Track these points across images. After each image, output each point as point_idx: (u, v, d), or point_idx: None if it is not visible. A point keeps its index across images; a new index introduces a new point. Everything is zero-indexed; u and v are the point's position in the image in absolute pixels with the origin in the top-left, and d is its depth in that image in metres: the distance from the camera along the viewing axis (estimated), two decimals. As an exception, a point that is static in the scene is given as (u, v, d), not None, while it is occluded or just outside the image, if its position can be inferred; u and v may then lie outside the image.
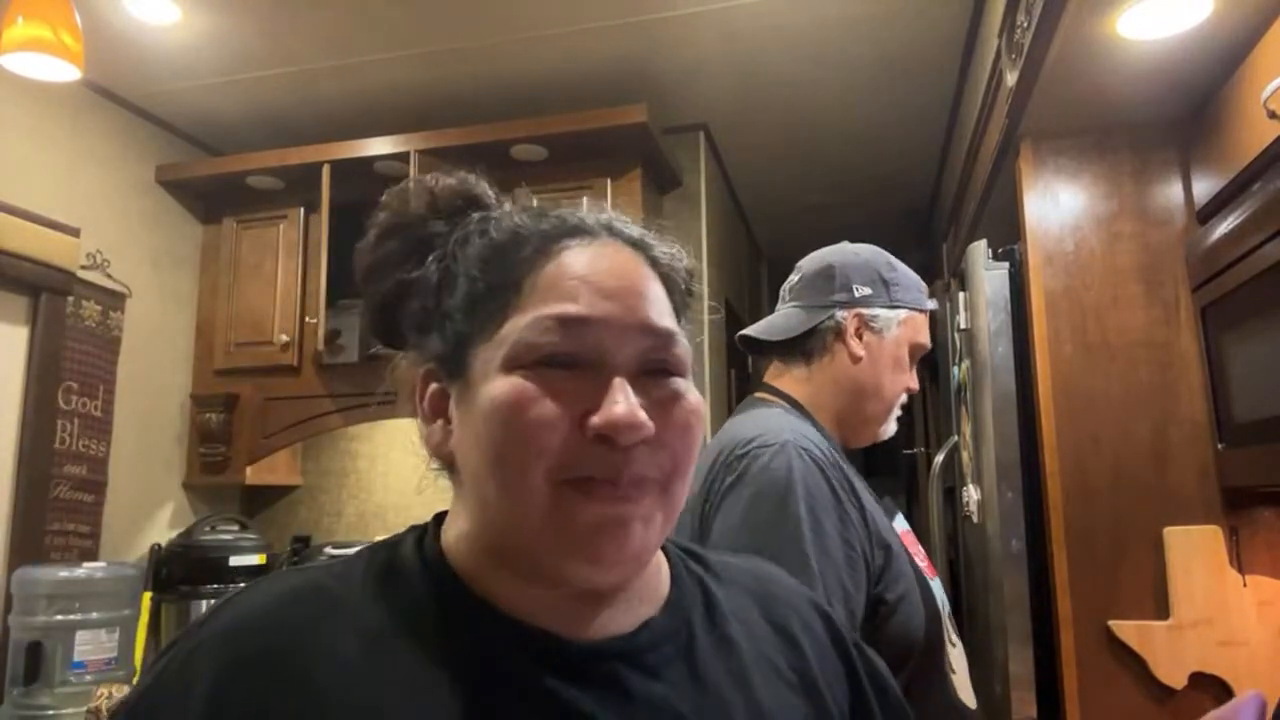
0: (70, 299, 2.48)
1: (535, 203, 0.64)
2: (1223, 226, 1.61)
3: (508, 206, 0.63)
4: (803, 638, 0.65)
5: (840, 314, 1.22)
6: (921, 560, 1.18)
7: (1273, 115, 1.38)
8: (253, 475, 2.88)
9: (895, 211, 4.01)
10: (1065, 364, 1.84)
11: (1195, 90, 1.72)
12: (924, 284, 1.30)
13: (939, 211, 3.57)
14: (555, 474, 0.52)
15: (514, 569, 0.56)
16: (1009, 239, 2.03)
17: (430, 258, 0.60)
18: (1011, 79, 1.81)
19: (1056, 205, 1.90)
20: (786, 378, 1.27)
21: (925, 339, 1.27)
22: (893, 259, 1.29)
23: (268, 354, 2.83)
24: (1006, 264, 2.00)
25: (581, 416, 0.52)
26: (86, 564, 2.32)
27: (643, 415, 0.52)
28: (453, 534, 0.59)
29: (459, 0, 2.28)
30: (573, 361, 0.53)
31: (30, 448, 2.35)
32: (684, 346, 0.58)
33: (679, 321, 0.60)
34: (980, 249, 2.02)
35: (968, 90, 2.65)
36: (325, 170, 2.75)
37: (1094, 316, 1.85)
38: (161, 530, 2.80)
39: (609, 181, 2.66)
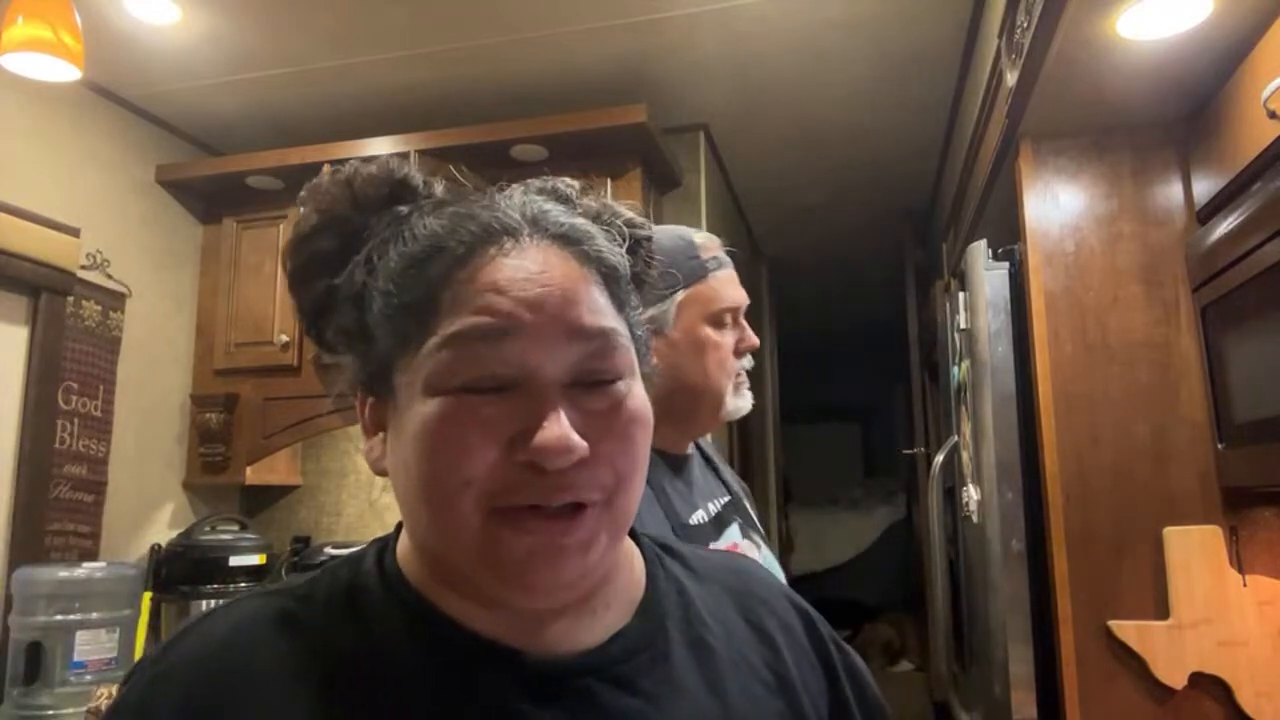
0: (70, 299, 2.48)
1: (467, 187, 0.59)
2: (1223, 226, 1.61)
3: (437, 191, 0.59)
4: (780, 637, 0.64)
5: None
6: None
7: (1273, 115, 1.38)
8: (253, 475, 2.88)
9: (895, 211, 4.01)
10: (1065, 364, 1.84)
11: (1195, 90, 1.72)
12: (700, 244, 1.19)
13: (939, 211, 3.57)
14: (485, 502, 0.49)
15: (460, 590, 0.54)
16: (1009, 239, 2.03)
17: (351, 262, 0.56)
18: (1011, 79, 1.81)
19: (1056, 205, 1.90)
20: None
21: (725, 301, 1.17)
22: (659, 239, 1.18)
23: (268, 354, 2.83)
24: (1006, 264, 2.00)
25: (509, 442, 0.49)
26: (86, 564, 2.32)
27: (574, 438, 0.49)
28: (403, 551, 0.58)
29: (459, 0, 2.28)
30: (496, 384, 0.50)
31: (30, 448, 2.34)
32: (623, 345, 0.54)
33: (626, 309, 0.57)
34: (980, 249, 2.02)
35: (968, 90, 2.65)
36: (325, 170, 2.74)
37: (1094, 317, 1.85)
38: (161, 530, 2.80)
39: (609, 181, 2.66)
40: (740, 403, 1.21)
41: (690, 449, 1.25)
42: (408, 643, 0.53)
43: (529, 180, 0.60)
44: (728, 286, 1.19)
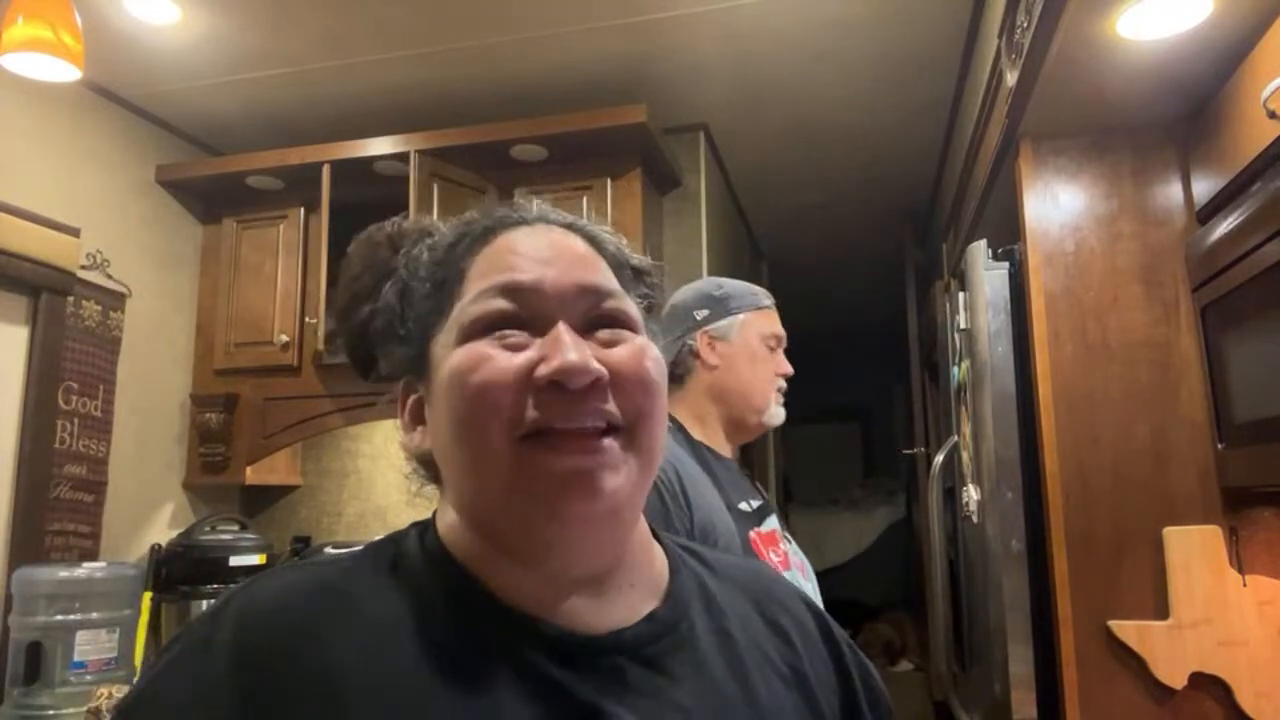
0: (70, 299, 2.48)
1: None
2: (1223, 226, 1.61)
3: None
4: (796, 635, 0.66)
5: (690, 339, 1.46)
6: (776, 557, 1.35)
7: (1273, 115, 1.38)
8: (253, 475, 2.88)
9: (895, 211, 4.01)
10: (1065, 364, 1.84)
11: (1195, 90, 1.72)
12: (756, 289, 1.53)
13: (939, 211, 3.57)
14: (514, 429, 0.52)
15: (499, 548, 0.56)
16: (1009, 239, 2.03)
17: (388, 283, 0.63)
18: (1011, 79, 1.81)
19: (1056, 205, 1.90)
20: (672, 401, 1.50)
21: (775, 329, 1.50)
22: (722, 280, 1.54)
23: (268, 354, 2.83)
24: (1006, 264, 2.00)
25: (531, 369, 0.53)
26: (86, 564, 2.32)
27: (591, 360, 0.53)
28: (444, 526, 0.60)
29: (459, 0, 2.28)
30: (518, 322, 0.55)
31: (30, 448, 2.35)
32: (630, 304, 0.59)
33: (630, 295, 0.61)
34: (980, 249, 2.02)
35: (968, 90, 2.65)
36: (325, 170, 2.75)
37: (1094, 317, 1.85)
38: (161, 530, 2.80)
39: (609, 181, 2.66)
40: (779, 413, 1.49)
41: (732, 454, 1.50)
42: (447, 613, 0.55)
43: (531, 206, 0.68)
44: (776, 322, 1.52)
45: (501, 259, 0.58)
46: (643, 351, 0.57)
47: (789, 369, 1.51)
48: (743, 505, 1.39)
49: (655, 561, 0.64)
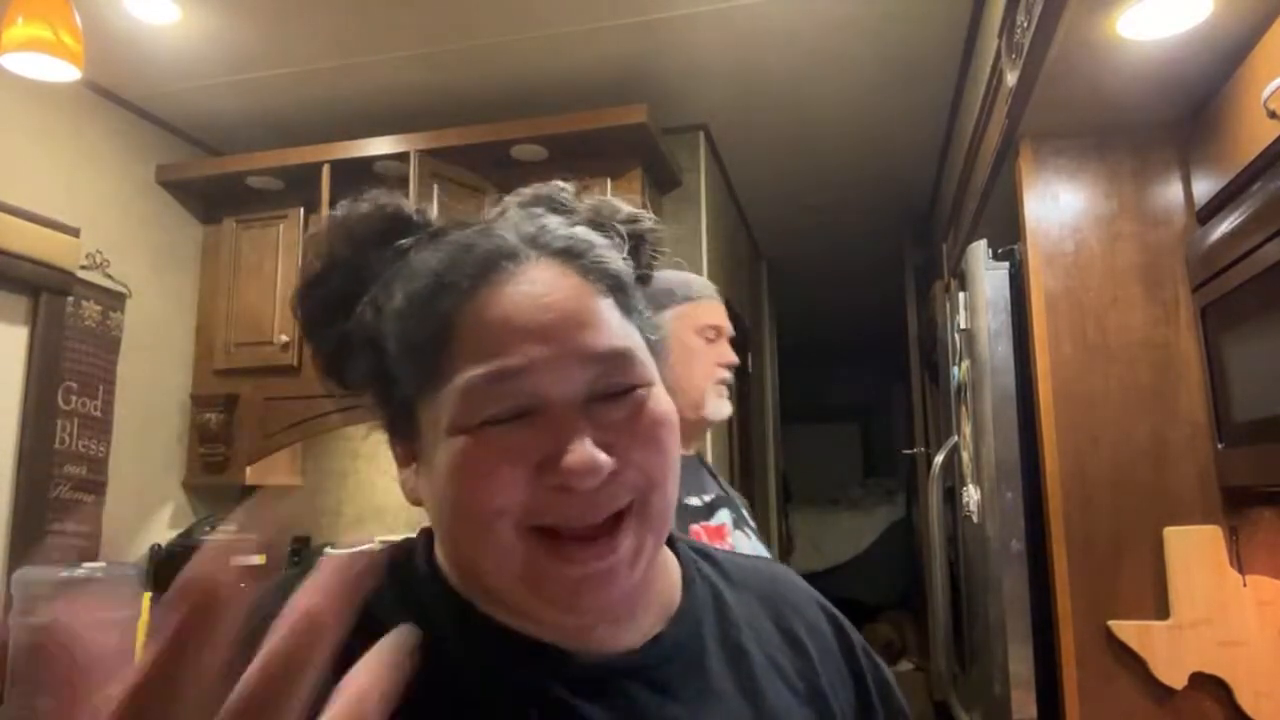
0: (70, 299, 2.48)
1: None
2: (1223, 226, 1.61)
3: (432, 217, 0.59)
4: (810, 643, 0.65)
5: None
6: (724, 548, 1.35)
7: (1273, 115, 1.38)
8: (253, 475, 2.88)
9: (895, 211, 4.01)
10: (1065, 364, 1.84)
11: (1195, 90, 1.72)
12: (692, 279, 1.51)
13: (939, 211, 3.56)
14: (523, 522, 0.50)
15: (500, 602, 0.55)
16: (1009, 239, 2.03)
17: (359, 305, 0.56)
18: (1011, 79, 1.81)
19: (1056, 205, 1.90)
20: None
21: (710, 320, 1.47)
22: (657, 274, 1.48)
23: (268, 354, 2.83)
24: (1006, 264, 2.00)
25: (537, 467, 0.50)
26: (86, 564, 2.32)
27: (600, 457, 0.49)
28: (443, 559, 0.58)
29: (460, 0, 2.28)
30: (518, 413, 0.50)
31: (30, 448, 2.34)
32: (639, 358, 0.54)
33: (634, 315, 0.56)
34: (980, 249, 2.02)
35: (968, 90, 2.65)
36: (325, 170, 2.75)
37: (1094, 317, 1.85)
38: (161, 530, 2.80)
39: (609, 181, 2.66)
40: (721, 406, 1.46)
41: (690, 450, 1.45)
42: (456, 636, 0.54)
43: (522, 190, 0.60)
44: (713, 312, 1.48)
45: (490, 334, 0.51)
46: (655, 413, 0.53)
47: (732, 358, 1.47)
48: (690, 500, 1.38)
49: (670, 575, 0.62)
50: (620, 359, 0.53)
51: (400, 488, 0.58)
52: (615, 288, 0.55)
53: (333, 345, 0.57)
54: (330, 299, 0.57)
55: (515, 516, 0.50)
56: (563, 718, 0.52)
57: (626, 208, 0.61)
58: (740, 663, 0.60)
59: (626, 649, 0.56)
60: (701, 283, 1.52)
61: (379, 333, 0.55)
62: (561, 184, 0.60)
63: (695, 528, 1.37)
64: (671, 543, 0.65)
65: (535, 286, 0.52)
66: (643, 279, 0.61)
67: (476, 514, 0.50)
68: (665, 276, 1.47)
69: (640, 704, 0.54)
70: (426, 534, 0.60)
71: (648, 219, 0.62)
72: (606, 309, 0.54)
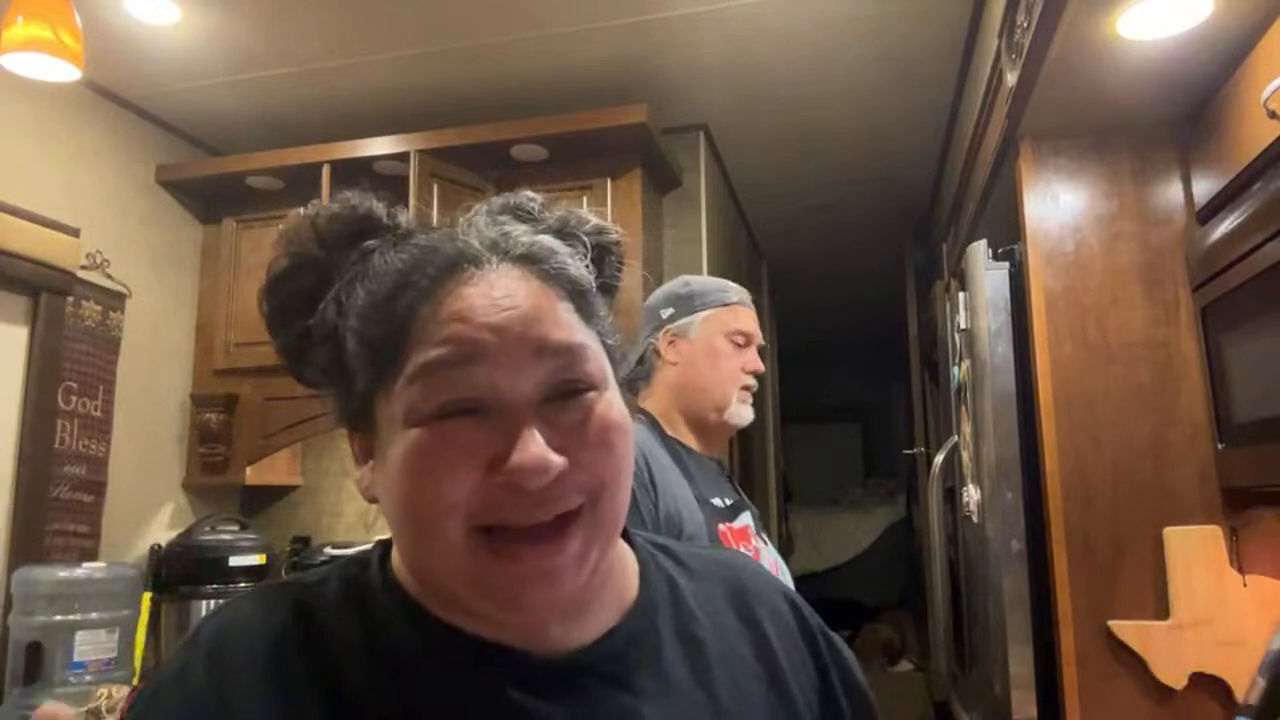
0: (70, 299, 2.47)
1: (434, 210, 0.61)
2: (1223, 226, 1.61)
3: (402, 220, 0.59)
4: (770, 628, 0.65)
5: (653, 338, 1.50)
6: (747, 552, 1.39)
7: (1273, 115, 1.38)
8: (252, 475, 2.88)
9: (895, 211, 4.01)
10: (1065, 364, 1.84)
11: (1195, 90, 1.72)
12: (727, 285, 1.55)
13: (939, 211, 3.56)
14: (471, 520, 0.50)
15: (452, 603, 0.55)
16: (1009, 239, 2.03)
17: (323, 302, 0.57)
18: (1011, 79, 1.81)
19: (1056, 205, 1.90)
20: (642, 397, 1.54)
21: (741, 326, 1.51)
22: (691, 278, 1.58)
23: (268, 354, 2.75)
24: (1006, 264, 2.00)
25: (488, 463, 0.50)
26: (86, 564, 2.32)
27: (551, 456, 0.50)
28: (399, 561, 0.59)
29: (460, 1, 2.28)
30: (470, 408, 0.51)
31: (30, 448, 2.34)
32: (595, 358, 0.55)
33: (594, 320, 0.57)
34: (980, 249, 2.02)
35: (968, 90, 2.65)
36: (325, 170, 2.75)
37: (1094, 317, 1.85)
38: (161, 530, 2.80)
39: (609, 181, 2.66)
40: (744, 411, 1.50)
41: (712, 455, 1.53)
42: (411, 643, 0.55)
43: (492, 199, 0.61)
44: (744, 318, 1.52)
45: (446, 327, 0.52)
46: (607, 418, 0.54)
47: (759, 366, 1.52)
48: (715, 500, 1.42)
49: (625, 571, 0.63)
50: (574, 354, 0.53)
51: (356, 485, 0.60)
52: (575, 293, 0.56)
53: (295, 340, 0.59)
54: (296, 295, 0.58)
55: (464, 513, 0.50)
56: (517, 719, 0.52)
57: (594, 219, 0.62)
58: (696, 653, 0.60)
59: (581, 645, 0.56)
60: (736, 289, 1.55)
61: (340, 329, 0.56)
62: (530, 194, 0.62)
63: (722, 528, 1.37)
64: (628, 536, 0.65)
65: (494, 289, 0.53)
66: (606, 289, 0.62)
67: (426, 510, 0.51)
68: (701, 280, 1.55)
69: (596, 698, 0.54)
70: (383, 545, 0.61)
71: (613, 231, 0.64)
72: (564, 311, 0.55)
